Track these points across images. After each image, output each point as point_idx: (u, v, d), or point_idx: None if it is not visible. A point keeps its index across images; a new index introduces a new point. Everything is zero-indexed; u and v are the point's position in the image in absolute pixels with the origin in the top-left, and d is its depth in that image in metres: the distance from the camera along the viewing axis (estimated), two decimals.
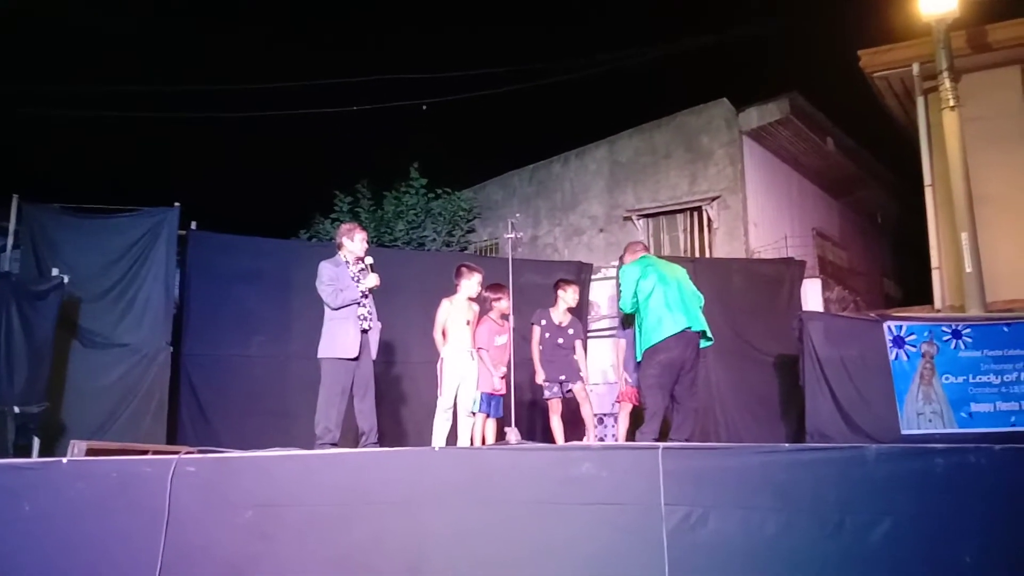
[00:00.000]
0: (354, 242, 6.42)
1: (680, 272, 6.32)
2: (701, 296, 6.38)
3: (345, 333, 6.15)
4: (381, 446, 6.15)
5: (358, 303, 6.25)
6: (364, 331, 6.25)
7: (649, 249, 6.71)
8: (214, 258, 8.27)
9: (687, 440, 6.10)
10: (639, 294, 6.05)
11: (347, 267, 6.36)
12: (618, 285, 6.29)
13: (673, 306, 5.98)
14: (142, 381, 7.69)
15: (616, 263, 9.51)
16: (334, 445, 5.95)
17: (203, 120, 14.35)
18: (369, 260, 6.42)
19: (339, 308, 6.19)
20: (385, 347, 6.67)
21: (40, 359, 7.21)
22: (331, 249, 6.60)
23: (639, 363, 6.15)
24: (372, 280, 6.33)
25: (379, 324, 6.45)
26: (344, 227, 6.63)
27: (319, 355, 6.20)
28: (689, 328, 5.97)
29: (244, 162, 19.37)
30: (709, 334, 6.16)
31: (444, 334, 6.83)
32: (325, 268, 6.29)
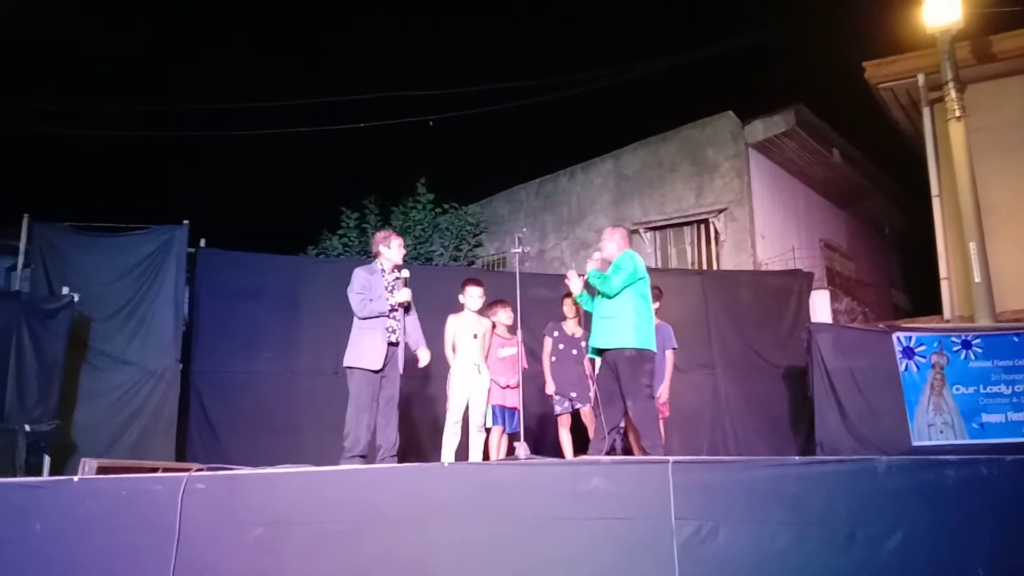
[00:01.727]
0: (391, 249, 6.35)
1: None
2: None
3: (371, 343, 6.06)
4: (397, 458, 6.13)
5: (386, 315, 6.17)
6: (392, 344, 6.16)
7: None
8: (223, 275, 8.28)
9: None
10: (635, 291, 5.81)
11: (382, 275, 6.28)
12: (609, 262, 5.92)
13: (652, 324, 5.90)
14: (152, 399, 7.69)
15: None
16: (363, 458, 5.90)
17: (212, 138, 14.43)
18: (405, 273, 6.33)
19: (365, 318, 6.12)
20: None
21: (50, 377, 7.23)
22: (338, 264, 6.58)
23: (630, 355, 5.72)
24: (404, 295, 6.23)
25: (423, 340, 6.40)
26: (380, 234, 6.55)
27: (344, 364, 6.12)
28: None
29: (252, 179, 19.49)
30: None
31: (454, 349, 6.86)
32: (359, 275, 6.20)
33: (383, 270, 6.32)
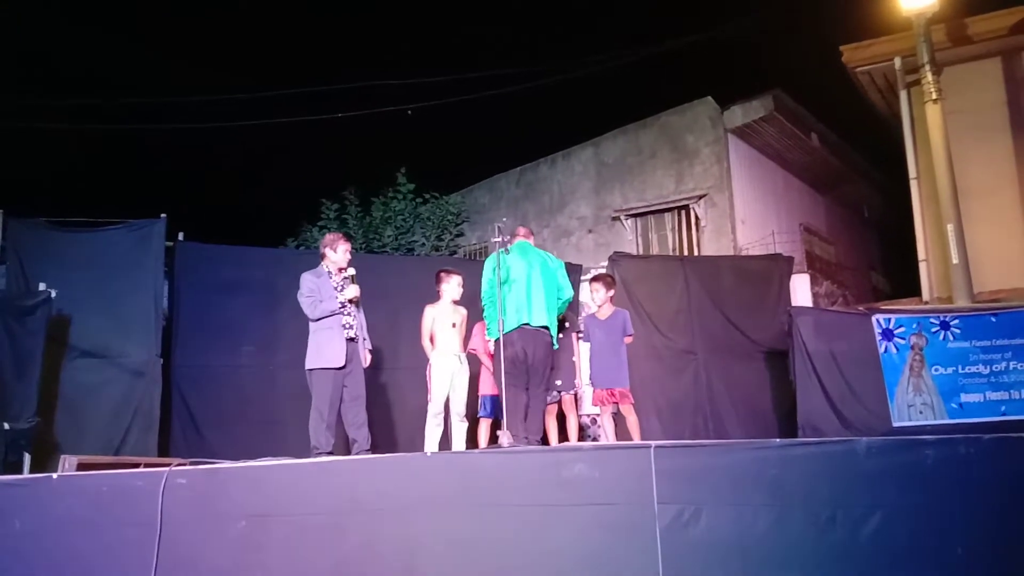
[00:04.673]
0: (337, 253, 6.43)
1: (545, 264, 6.22)
2: (567, 290, 6.35)
3: (330, 342, 6.15)
4: (374, 453, 6.14)
5: (341, 312, 6.25)
6: (351, 340, 6.25)
7: (532, 236, 6.66)
8: (202, 269, 8.22)
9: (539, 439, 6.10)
10: (497, 283, 5.90)
11: (329, 277, 6.38)
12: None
13: (521, 300, 5.93)
14: (133, 394, 7.63)
15: (604, 263, 9.54)
16: (329, 455, 5.94)
17: (188, 130, 14.31)
18: (351, 271, 6.41)
19: (318, 319, 6.21)
20: (375, 353, 6.66)
21: (29, 375, 7.15)
22: (318, 257, 6.59)
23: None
24: (352, 291, 6.33)
25: (367, 339, 6.47)
26: (328, 237, 6.64)
27: (306, 366, 6.20)
28: (527, 324, 5.90)
29: (230, 171, 19.33)
30: (552, 332, 6.09)
31: (432, 340, 6.85)
32: (306, 279, 6.32)
33: (329, 272, 6.41)
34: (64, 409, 7.46)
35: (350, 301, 6.33)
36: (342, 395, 6.19)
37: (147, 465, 5.63)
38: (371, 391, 6.48)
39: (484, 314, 6.19)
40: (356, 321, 6.36)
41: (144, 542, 4.30)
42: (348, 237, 6.89)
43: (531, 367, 5.94)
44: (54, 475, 4.93)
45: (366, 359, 6.45)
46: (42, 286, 7.42)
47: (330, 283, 6.34)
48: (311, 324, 6.26)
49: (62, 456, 5.77)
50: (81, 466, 5.46)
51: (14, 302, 7.30)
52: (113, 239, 8.03)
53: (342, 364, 6.13)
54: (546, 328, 6.06)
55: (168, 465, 4.90)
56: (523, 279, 6.05)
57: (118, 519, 4.44)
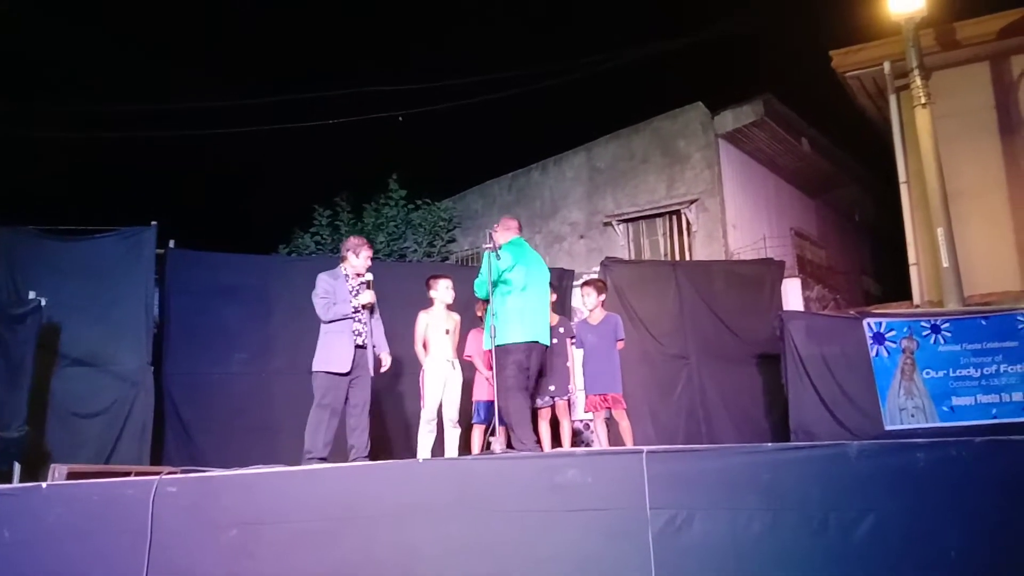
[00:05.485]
0: (359, 258, 6.40)
1: (544, 273, 6.19)
2: (549, 294, 6.35)
3: (339, 346, 6.10)
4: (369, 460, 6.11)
5: (353, 318, 6.21)
6: (360, 347, 6.20)
7: (522, 230, 6.45)
8: (193, 276, 8.19)
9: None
10: (501, 284, 5.84)
11: (346, 281, 6.34)
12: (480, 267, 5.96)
13: (531, 312, 5.87)
14: (124, 402, 7.59)
15: (597, 268, 9.54)
16: (323, 460, 5.92)
17: (179, 137, 14.27)
18: (369, 277, 6.39)
19: (330, 322, 6.16)
20: (378, 359, 6.63)
21: (19, 383, 7.10)
22: (311, 263, 6.60)
23: (490, 353, 5.91)
24: (366, 297, 6.28)
25: (385, 344, 6.44)
26: (352, 241, 6.57)
27: (312, 368, 6.15)
28: (538, 342, 5.89)
29: (222, 178, 19.29)
30: (544, 341, 6.05)
31: (425, 346, 6.85)
32: (322, 280, 6.27)
33: (347, 275, 6.37)
34: (54, 418, 7.41)
35: (364, 307, 6.29)
36: (345, 401, 6.15)
37: (138, 474, 5.59)
38: None
39: (491, 316, 5.91)
40: (367, 328, 6.29)
41: (135, 551, 4.28)
42: (373, 231, 6.86)
43: (529, 375, 5.92)
44: (44, 484, 4.91)
45: (386, 362, 6.41)
46: (32, 294, 7.39)
47: (346, 286, 6.30)
48: (322, 326, 6.21)
49: (52, 465, 5.71)
50: (71, 475, 5.42)
51: (4, 311, 7.26)
52: (103, 247, 8.00)
53: (347, 370, 6.08)
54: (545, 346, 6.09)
55: (159, 473, 4.87)
56: (532, 291, 5.95)
57: (109, 528, 4.42)
